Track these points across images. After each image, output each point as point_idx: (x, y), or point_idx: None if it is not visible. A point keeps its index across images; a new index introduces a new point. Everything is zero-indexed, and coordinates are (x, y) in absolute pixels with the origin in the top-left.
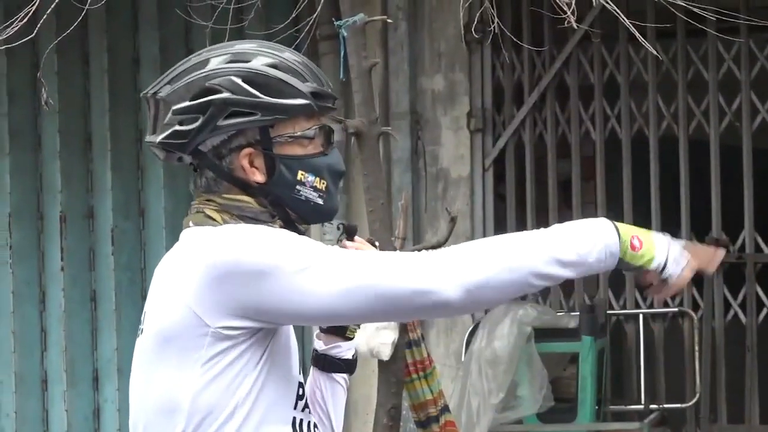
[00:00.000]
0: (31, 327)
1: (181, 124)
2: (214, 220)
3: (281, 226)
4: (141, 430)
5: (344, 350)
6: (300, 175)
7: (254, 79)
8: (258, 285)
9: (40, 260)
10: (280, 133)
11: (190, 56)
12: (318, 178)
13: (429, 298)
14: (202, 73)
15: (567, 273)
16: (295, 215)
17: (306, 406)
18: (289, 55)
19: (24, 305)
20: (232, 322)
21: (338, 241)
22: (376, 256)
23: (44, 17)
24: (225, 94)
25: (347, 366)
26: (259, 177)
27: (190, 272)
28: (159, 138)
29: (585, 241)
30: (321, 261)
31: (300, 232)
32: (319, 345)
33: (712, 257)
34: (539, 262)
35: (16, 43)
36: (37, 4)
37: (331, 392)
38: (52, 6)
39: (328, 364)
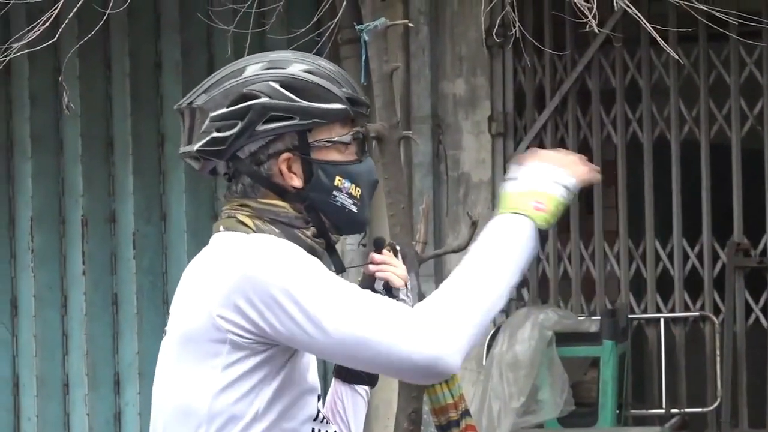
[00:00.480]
0: (52, 330)
1: (219, 131)
2: (246, 225)
3: (314, 234)
4: (161, 431)
5: None
6: (337, 180)
7: (292, 83)
8: (272, 310)
9: (62, 264)
10: (318, 138)
11: (224, 66)
12: (354, 185)
13: (431, 369)
14: (239, 80)
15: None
16: (329, 223)
17: (325, 417)
18: (324, 63)
19: (46, 309)
20: (246, 333)
21: (360, 245)
22: (387, 314)
23: (66, 21)
24: (263, 99)
25: (369, 378)
26: (296, 182)
27: (215, 278)
28: (196, 146)
29: (524, 255)
30: (335, 306)
31: (331, 243)
32: None
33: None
34: (504, 296)
35: (38, 47)
36: (59, 8)
37: (352, 403)
38: (74, 10)
39: (350, 375)
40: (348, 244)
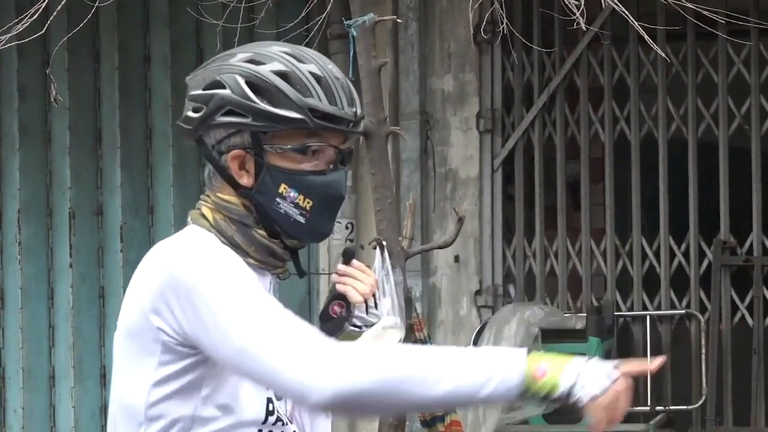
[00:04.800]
0: (39, 323)
1: (193, 111)
2: (207, 219)
3: (268, 234)
4: (113, 426)
5: None
6: (282, 188)
7: (255, 82)
8: (185, 311)
9: (49, 257)
10: (272, 143)
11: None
12: (302, 196)
13: (298, 393)
14: (222, 65)
15: (451, 405)
16: (278, 227)
17: (279, 420)
18: (313, 67)
19: (32, 301)
20: (172, 333)
21: (347, 240)
22: (286, 335)
23: (55, 14)
24: (225, 91)
25: None
26: (245, 180)
27: (149, 277)
28: (179, 120)
29: (480, 377)
30: (242, 316)
31: (287, 246)
32: None
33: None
34: (431, 401)
35: (27, 39)
36: (47, 0)
37: None
38: (63, 2)
39: None
40: (335, 239)
